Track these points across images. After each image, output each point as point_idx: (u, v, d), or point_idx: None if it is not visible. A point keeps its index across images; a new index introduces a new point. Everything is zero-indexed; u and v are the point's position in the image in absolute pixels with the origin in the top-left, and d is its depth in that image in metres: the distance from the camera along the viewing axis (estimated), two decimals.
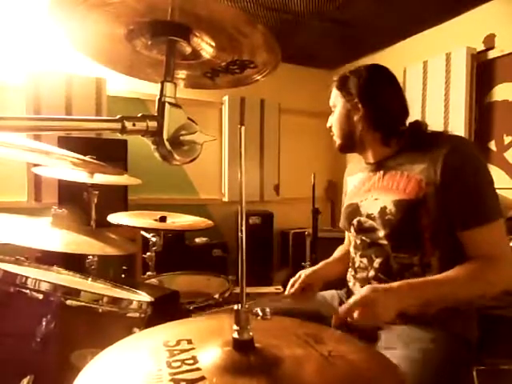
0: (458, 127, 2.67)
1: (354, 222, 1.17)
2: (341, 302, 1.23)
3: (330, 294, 1.28)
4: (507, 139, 2.60)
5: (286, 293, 1.22)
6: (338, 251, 1.41)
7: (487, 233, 0.95)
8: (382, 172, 1.13)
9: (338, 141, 1.21)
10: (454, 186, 0.96)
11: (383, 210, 1.05)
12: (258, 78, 0.76)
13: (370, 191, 1.14)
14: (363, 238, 1.14)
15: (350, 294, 1.20)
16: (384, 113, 1.11)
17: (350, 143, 1.18)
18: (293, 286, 1.23)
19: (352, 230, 1.19)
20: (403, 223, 1.02)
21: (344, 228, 1.31)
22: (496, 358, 1.13)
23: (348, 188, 1.32)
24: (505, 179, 2.55)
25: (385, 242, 1.06)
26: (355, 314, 0.85)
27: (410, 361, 0.86)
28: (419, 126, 1.12)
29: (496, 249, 0.96)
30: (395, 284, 0.92)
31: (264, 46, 0.66)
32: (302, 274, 1.24)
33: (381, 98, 1.12)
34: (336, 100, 1.19)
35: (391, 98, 1.12)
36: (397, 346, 0.92)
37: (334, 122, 1.20)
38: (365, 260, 1.12)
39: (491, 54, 2.66)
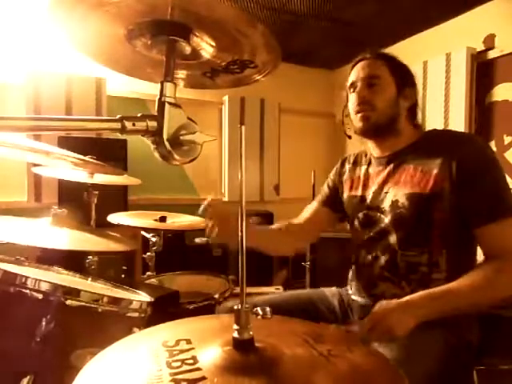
0: (458, 127, 2.67)
1: (360, 215, 1.15)
2: (341, 300, 1.22)
3: (331, 292, 1.27)
4: (507, 139, 2.60)
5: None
6: (274, 225, 1.35)
7: (503, 229, 0.94)
8: (392, 166, 1.11)
9: (375, 118, 1.08)
10: (471, 182, 0.96)
11: (395, 203, 1.04)
12: (258, 77, 0.76)
13: (379, 184, 1.12)
14: (371, 233, 1.11)
15: (353, 291, 1.19)
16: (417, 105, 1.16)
17: (388, 126, 1.10)
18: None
19: (356, 223, 1.17)
20: (415, 217, 1.01)
21: (318, 203, 1.30)
22: (496, 358, 1.13)
23: (344, 175, 1.28)
24: None
25: (393, 237, 1.05)
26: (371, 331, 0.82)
27: (411, 350, 0.85)
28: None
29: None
30: (409, 297, 0.89)
31: (264, 46, 0.66)
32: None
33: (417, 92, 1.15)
34: (386, 76, 1.10)
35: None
36: (398, 341, 0.92)
37: (377, 96, 1.09)
38: (369, 257, 1.11)
39: (491, 54, 2.65)
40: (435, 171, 1.00)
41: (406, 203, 1.02)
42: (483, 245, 0.97)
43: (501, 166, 1.00)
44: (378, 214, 1.10)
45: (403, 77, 1.12)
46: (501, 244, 0.94)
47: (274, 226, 1.34)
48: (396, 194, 1.05)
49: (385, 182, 1.11)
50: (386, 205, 1.07)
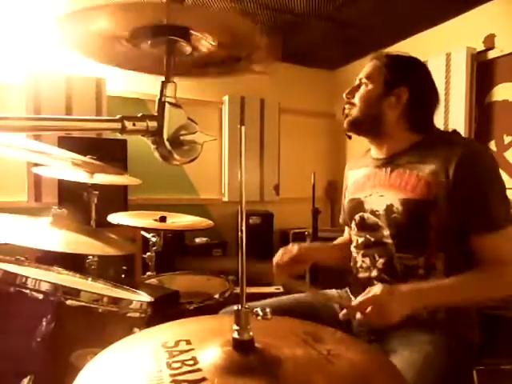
0: (458, 127, 2.63)
1: (356, 217, 1.15)
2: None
3: (331, 294, 1.27)
4: (507, 139, 2.60)
5: (274, 261, 1.18)
6: (338, 240, 1.39)
7: (497, 239, 0.94)
8: (389, 169, 1.10)
9: (356, 115, 1.12)
10: (467, 190, 0.95)
11: (389, 207, 1.04)
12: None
13: (375, 187, 1.11)
14: (367, 235, 1.11)
15: (352, 293, 1.19)
16: (427, 107, 1.11)
17: (370, 125, 1.11)
18: (282, 256, 1.19)
19: (353, 225, 1.17)
20: (410, 223, 1.00)
21: (344, 223, 1.29)
22: (496, 357, 1.13)
23: (349, 182, 1.29)
24: (505, 179, 2.55)
25: (389, 240, 1.04)
26: (367, 311, 0.84)
27: (412, 362, 0.85)
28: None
29: (506, 255, 0.94)
30: (408, 287, 0.90)
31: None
32: (295, 246, 1.19)
33: (429, 93, 1.12)
34: (375, 75, 1.11)
35: (434, 92, 1.13)
36: (398, 349, 0.92)
37: (360, 96, 1.11)
38: (367, 260, 1.10)
39: (491, 54, 2.66)
40: (430, 178, 0.99)
41: (400, 208, 1.01)
42: (474, 252, 0.97)
43: (500, 176, 0.99)
44: (373, 218, 1.09)
45: (397, 77, 1.09)
46: (492, 253, 0.94)
47: (335, 244, 1.38)
48: (391, 199, 1.04)
49: (380, 185, 1.10)
50: (381, 209, 1.06)
